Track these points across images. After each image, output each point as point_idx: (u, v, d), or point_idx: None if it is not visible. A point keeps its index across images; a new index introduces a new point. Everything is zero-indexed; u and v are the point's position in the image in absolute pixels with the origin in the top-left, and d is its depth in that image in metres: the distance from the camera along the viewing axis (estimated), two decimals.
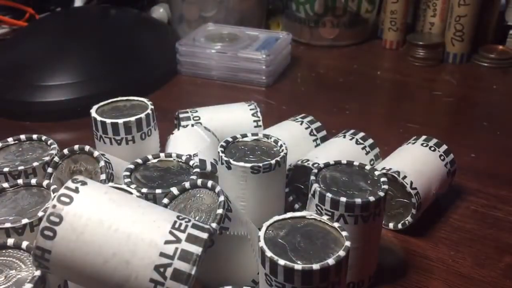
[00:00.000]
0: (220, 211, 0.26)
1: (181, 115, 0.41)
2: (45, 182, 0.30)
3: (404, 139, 0.39)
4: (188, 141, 0.37)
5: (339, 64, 0.62)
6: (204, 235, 0.23)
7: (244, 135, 0.34)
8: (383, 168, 0.34)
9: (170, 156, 0.33)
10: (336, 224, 0.26)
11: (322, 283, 0.24)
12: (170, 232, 0.23)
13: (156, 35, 0.61)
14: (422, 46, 0.60)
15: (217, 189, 0.27)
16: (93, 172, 0.32)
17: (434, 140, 0.37)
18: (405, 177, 0.33)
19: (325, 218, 0.26)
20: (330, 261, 0.24)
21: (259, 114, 0.41)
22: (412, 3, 0.64)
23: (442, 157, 0.36)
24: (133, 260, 0.22)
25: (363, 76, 0.59)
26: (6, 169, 0.32)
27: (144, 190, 0.30)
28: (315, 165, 0.32)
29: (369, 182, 0.30)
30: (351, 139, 0.37)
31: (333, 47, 0.66)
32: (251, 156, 0.32)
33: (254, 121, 0.41)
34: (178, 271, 0.22)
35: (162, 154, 0.33)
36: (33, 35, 0.58)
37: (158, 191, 0.30)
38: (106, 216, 0.22)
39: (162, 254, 0.22)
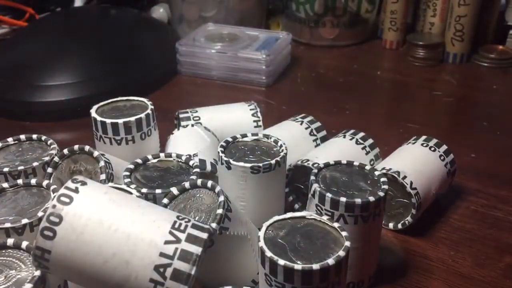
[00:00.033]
0: (220, 211, 0.26)
1: (181, 115, 0.41)
2: (45, 182, 0.30)
3: (404, 139, 0.39)
4: (188, 141, 0.37)
5: (339, 64, 0.62)
6: (204, 235, 0.23)
7: (244, 135, 0.34)
8: (383, 168, 0.34)
9: (170, 156, 0.33)
10: (336, 224, 0.26)
11: (322, 283, 0.24)
12: (170, 232, 0.23)
13: (156, 35, 0.61)
14: (422, 46, 0.60)
15: (217, 189, 0.27)
16: (93, 172, 0.32)
17: (434, 140, 0.37)
18: (405, 177, 0.33)
19: (325, 218, 0.26)
20: (330, 261, 0.24)
21: (259, 114, 0.41)
22: (412, 3, 0.64)
23: (442, 157, 0.36)
24: (133, 260, 0.22)
25: (363, 76, 0.59)
26: (6, 169, 0.32)
27: (144, 190, 0.30)
28: (315, 165, 0.32)
29: (369, 182, 0.30)
30: (351, 139, 0.37)
31: (333, 47, 0.66)
32: (251, 156, 0.32)
33: (254, 121, 0.41)
34: (178, 271, 0.22)
35: (162, 154, 0.33)
36: (33, 35, 0.58)
37: (158, 191, 0.30)
38: (106, 216, 0.22)
39: (162, 254, 0.22)
